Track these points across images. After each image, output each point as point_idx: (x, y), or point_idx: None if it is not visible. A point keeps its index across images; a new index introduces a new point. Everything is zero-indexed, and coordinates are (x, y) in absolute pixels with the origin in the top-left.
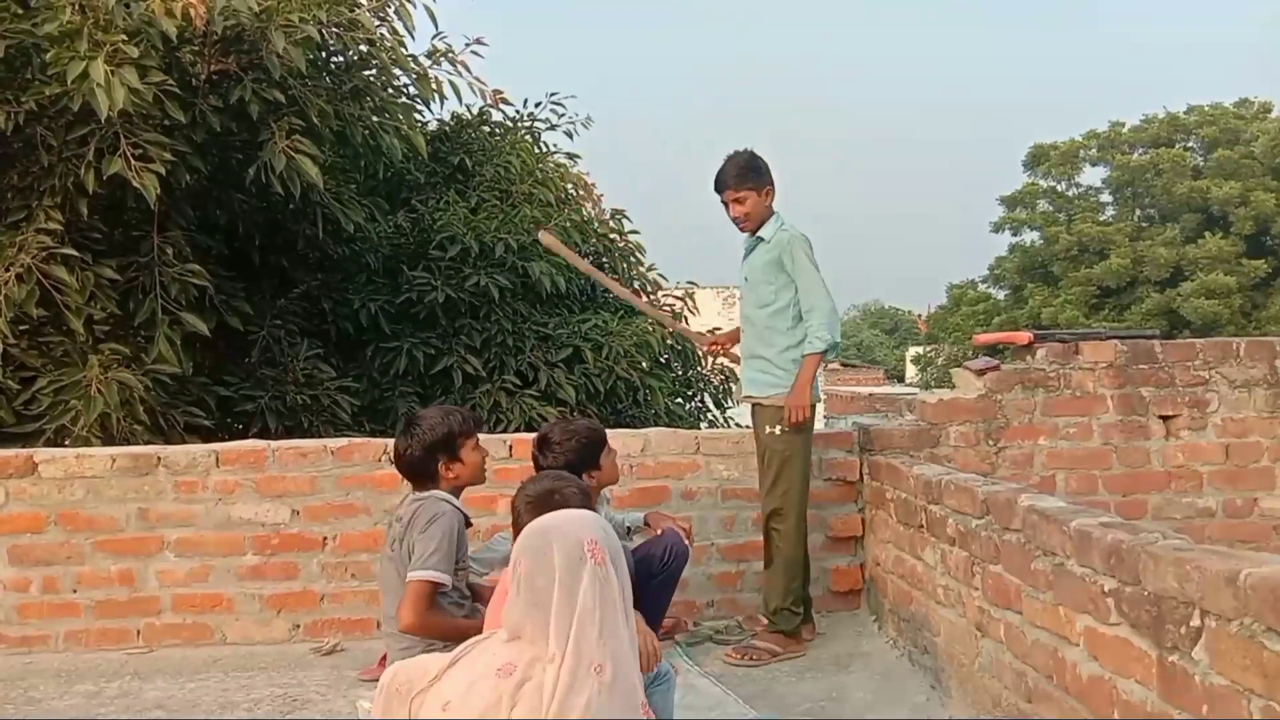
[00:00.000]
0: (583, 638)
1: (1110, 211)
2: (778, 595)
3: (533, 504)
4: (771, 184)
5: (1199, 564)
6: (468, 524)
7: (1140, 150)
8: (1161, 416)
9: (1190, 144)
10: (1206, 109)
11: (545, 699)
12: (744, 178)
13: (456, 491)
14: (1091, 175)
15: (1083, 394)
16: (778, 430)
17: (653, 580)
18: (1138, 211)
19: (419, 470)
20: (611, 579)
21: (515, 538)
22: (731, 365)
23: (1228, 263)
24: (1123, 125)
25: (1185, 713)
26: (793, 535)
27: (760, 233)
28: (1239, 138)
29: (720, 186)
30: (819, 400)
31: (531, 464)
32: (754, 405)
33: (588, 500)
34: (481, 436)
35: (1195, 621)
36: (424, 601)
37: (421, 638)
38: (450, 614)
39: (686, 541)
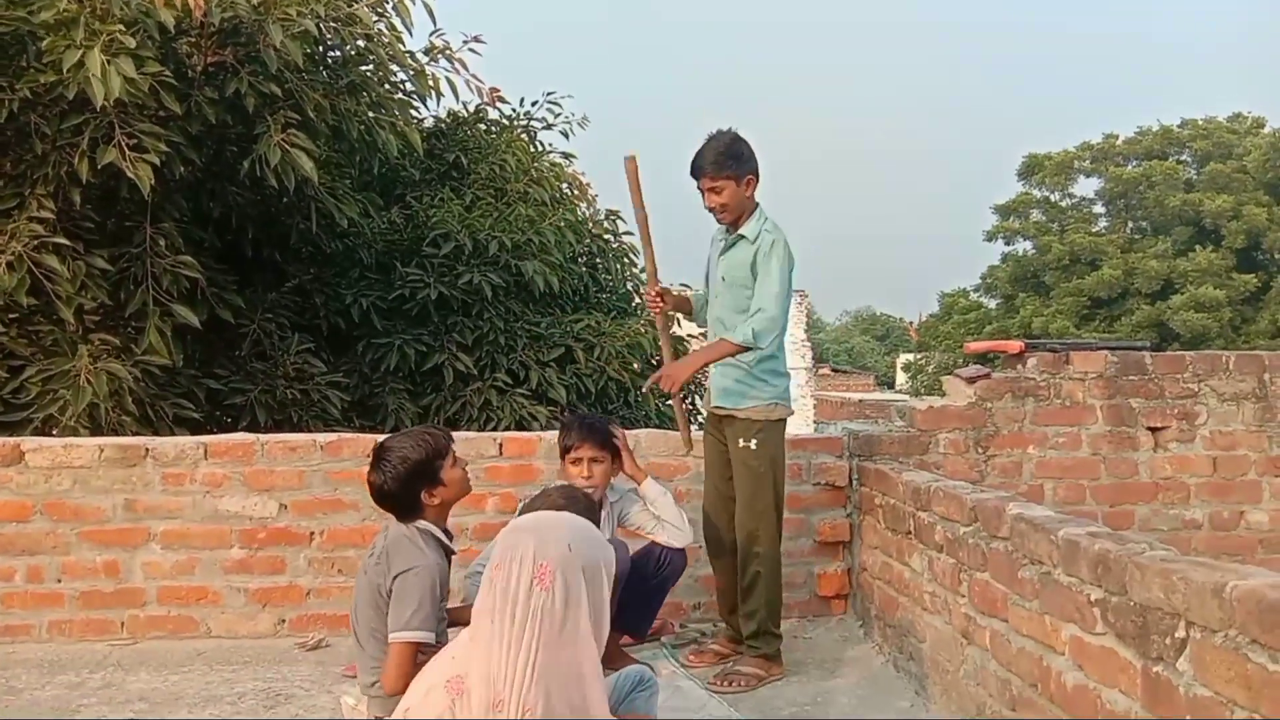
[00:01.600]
0: (515, 675)
1: (1103, 223)
2: (758, 618)
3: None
4: (754, 173)
5: (1185, 575)
6: (449, 554)
7: (1133, 162)
8: (1150, 428)
9: (1183, 157)
10: (1200, 122)
11: None
12: (722, 164)
13: (444, 512)
14: (1085, 186)
15: (1072, 404)
16: (753, 444)
17: (647, 583)
18: (1130, 223)
19: (399, 503)
20: (554, 608)
21: None
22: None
23: (1218, 276)
24: (1116, 137)
25: None
26: (771, 557)
27: (742, 229)
28: (1231, 152)
29: (696, 172)
30: (790, 414)
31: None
32: (724, 417)
33: (595, 517)
34: (471, 435)
35: (1180, 633)
36: (408, 663)
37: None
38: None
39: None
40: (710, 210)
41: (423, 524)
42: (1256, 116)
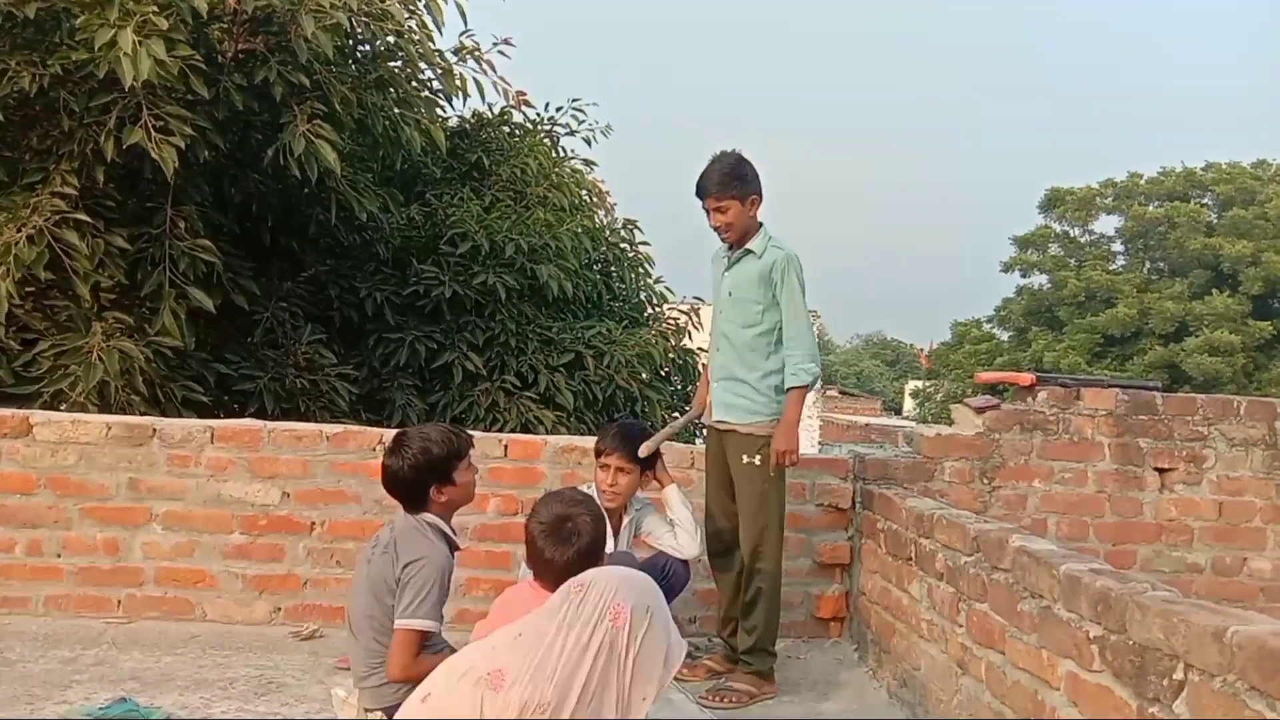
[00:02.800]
0: (565, 688)
1: (1121, 261)
2: (756, 634)
3: (547, 531)
4: (758, 193)
5: (1186, 617)
6: (454, 550)
7: (1155, 202)
8: (1157, 469)
9: (1205, 200)
10: (1224, 166)
11: None
12: (727, 185)
13: (449, 510)
14: (1105, 224)
15: (1080, 440)
16: (756, 460)
17: None
18: (1148, 263)
19: (409, 492)
20: (616, 644)
21: (530, 562)
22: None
23: (1234, 321)
24: (1140, 176)
25: None
26: (774, 574)
27: (749, 245)
28: (1254, 198)
29: (701, 192)
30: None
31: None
32: (726, 431)
33: (601, 525)
34: (477, 435)
35: (1179, 675)
36: (413, 650)
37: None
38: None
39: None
40: (715, 229)
41: (429, 517)
42: None
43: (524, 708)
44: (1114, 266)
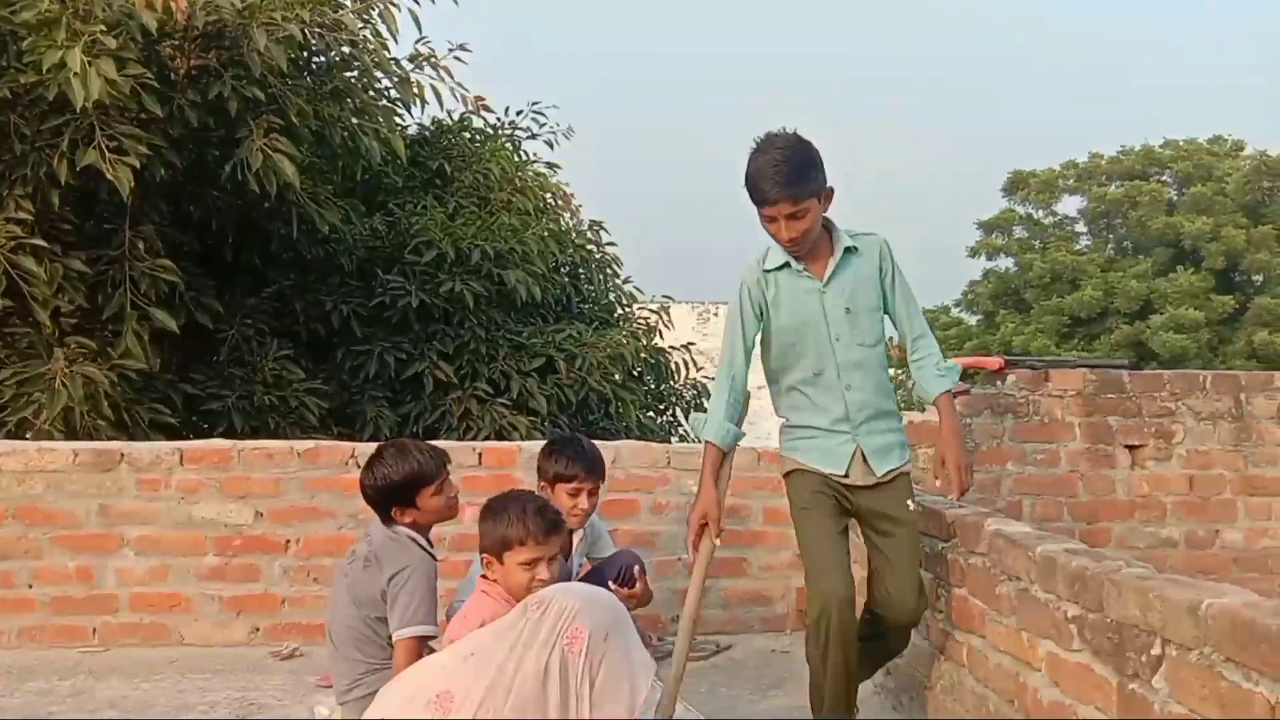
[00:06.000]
0: (526, 695)
1: (1085, 241)
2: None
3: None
4: (829, 183)
5: (1161, 593)
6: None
7: (1116, 182)
8: (1128, 446)
9: (1164, 177)
10: (1181, 143)
11: None
12: (805, 181)
13: (422, 528)
14: (1068, 204)
15: (1051, 421)
16: (910, 504)
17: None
18: (1111, 243)
19: (375, 508)
20: (570, 670)
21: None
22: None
23: (1197, 298)
24: (1101, 156)
25: None
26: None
27: (845, 241)
28: (1211, 174)
29: (766, 198)
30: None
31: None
32: (894, 478)
33: (562, 529)
34: (450, 444)
35: (1156, 650)
36: (417, 659)
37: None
38: None
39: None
40: (790, 242)
41: (402, 529)
42: (1236, 140)
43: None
44: (1078, 247)
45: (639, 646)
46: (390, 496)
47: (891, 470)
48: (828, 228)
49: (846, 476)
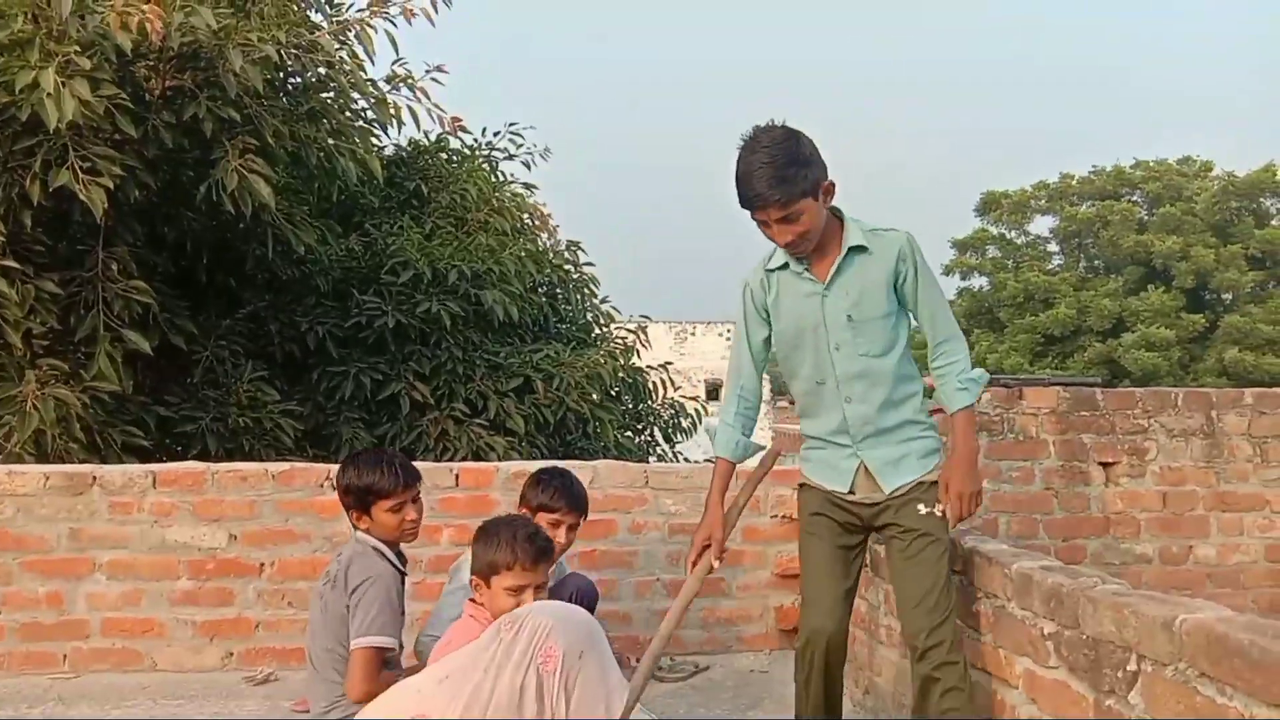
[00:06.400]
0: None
1: (1057, 260)
2: None
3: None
4: (826, 175)
5: (1136, 609)
6: (401, 574)
7: (1088, 202)
8: (1102, 463)
9: (1135, 198)
10: (1151, 164)
11: None
12: (791, 183)
13: (386, 539)
14: (1040, 224)
15: (1025, 438)
16: (937, 511)
17: None
18: (1083, 262)
19: (343, 505)
20: (545, 691)
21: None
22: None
23: (1168, 316)
24: (1072, 177)
25: None
26: (965, 676)
27: (851, 240)
28: (1181, 193)
29: (753, 203)
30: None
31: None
32: (914, 486)
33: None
34: (427, 465)
35: (1132, 666)
36: (372, 669)
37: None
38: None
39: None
40: (788, 246)
41: (368, 539)
42: (1205, 161)
43: None
44: (1050, 266)
45: (614, 666)
46: (349, 497)
47: (904, 485)
48: (840, 220)
49: (852, 494)
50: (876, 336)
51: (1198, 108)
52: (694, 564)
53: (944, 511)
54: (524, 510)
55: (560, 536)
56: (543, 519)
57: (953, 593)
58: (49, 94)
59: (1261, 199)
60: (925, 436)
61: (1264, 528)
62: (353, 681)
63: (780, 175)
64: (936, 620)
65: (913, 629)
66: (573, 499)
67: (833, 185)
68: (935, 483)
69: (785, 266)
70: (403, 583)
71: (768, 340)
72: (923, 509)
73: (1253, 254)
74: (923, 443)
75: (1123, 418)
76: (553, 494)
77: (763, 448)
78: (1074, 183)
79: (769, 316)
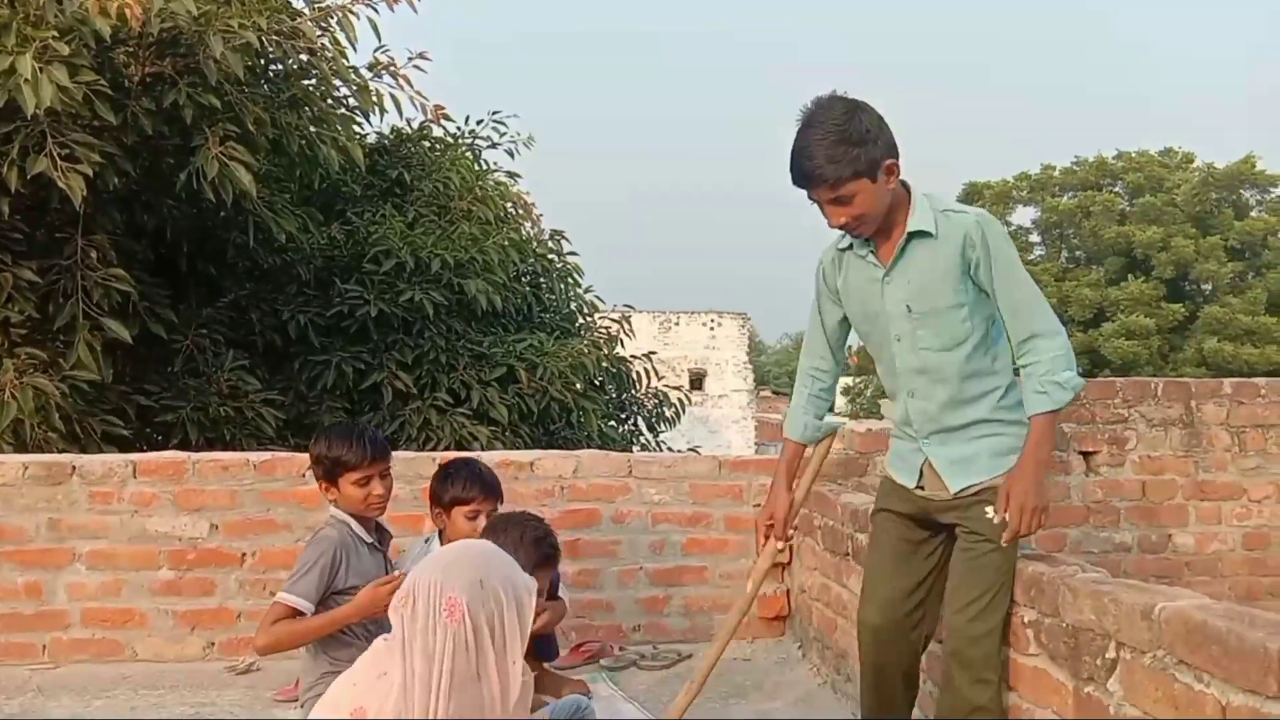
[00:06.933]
0: (423, 711)
1: (1039, 251)
2: None
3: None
4: (892, 153)
5: (1116, 597)
6: (382, 544)
7: (1069, 193)
8: (1082, 452)
9: (1116, 189)
10: (1133, 155)
11: None
12: (842, 160)
13: (355, 512)
14: (1022, 215)
15: None
16: (989, 511)
17: None
18: (1065, 253)
19: (314, 476)
20: (464, 642)
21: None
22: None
23: (1148, 305)
24: (1054, 168)
25: None
26: (999, 704)
27: (913, 224)
28: (1162, 185)
29: (807, 181)
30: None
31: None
32: (985, 488)
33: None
34: (409, 454)
35: (1111, 653)
36: (277, 622)
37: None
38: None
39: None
40: (842, 229)
41: (339, 514)
42: (1186, 152)
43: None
44: (1032, 257)
45: (516, 571)
46: (317, 469)
47: (972, 486)
48: (910, 195)
49: (921, 489)
50: (942, 329)
51: (1184, 99)
52: (761, 546)
53: (1005, 520)
54: (437, 511)
55: (481, 525)
56: (459, 513)
57: (1004, 606)
58: (26, 79)
59: (1241, 190)
60: (1003, 435)
61: (1241, 516)
62: (258, 632)
63: (830, 155)
64: (979, 630)
65: (952, 635)
66: (485, 486)
67: (896, 165)
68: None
69: (852, 246)
70: (384, 558)
71: (844, 320)
72: (990, 513)
73: (1232, 245)
74: (998, 440)
75: (1103, 407)
76: (464, 484)
77: (837, 426)
78: (1056, 174)
79: (840, 298)
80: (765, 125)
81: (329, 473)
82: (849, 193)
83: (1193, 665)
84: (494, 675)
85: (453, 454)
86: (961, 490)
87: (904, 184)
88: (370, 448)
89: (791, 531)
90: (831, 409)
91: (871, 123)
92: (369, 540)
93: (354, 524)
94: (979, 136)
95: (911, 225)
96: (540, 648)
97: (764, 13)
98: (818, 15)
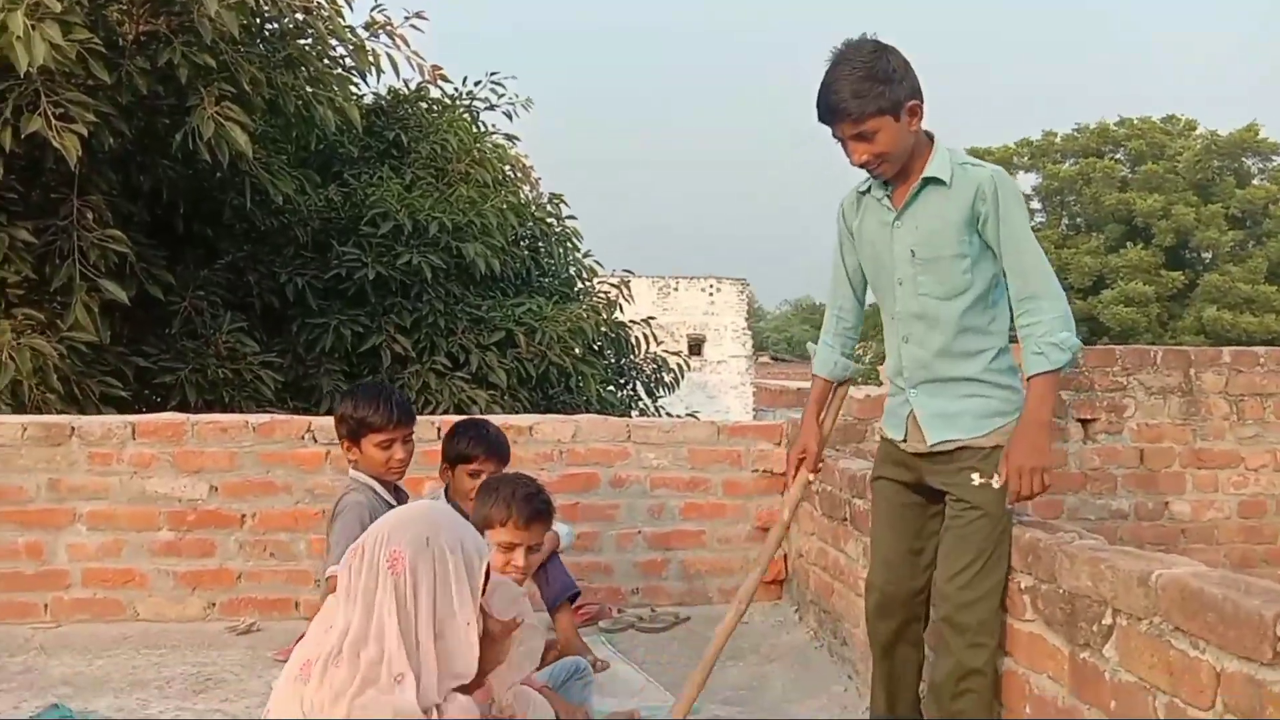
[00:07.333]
0: (382, 645)
1: (1040, 218)
2: None
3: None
4: (917, 96)
5: (1112, 564)
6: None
7: (1071, 159)
8: (1080, 420)
9: (1118, 155)
10: (1135, 122)
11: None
12: (867, 96)
13: (376, 474)
14: (1023, 181)
15: None
16: (994, 483)
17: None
18: (1065, 219)
19: (337, 435)
20: (405, 594)
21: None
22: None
23: (1147, 273)
24: (1055, 134)
25: (1094, 708)
26: (992, 664)
27: (928, 171)
28: (1164, 152)
29: (830, 115)
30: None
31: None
32: (939, 455)
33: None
34: None
35: (1107, 620)
36: (327, 595)
37: None
38: None
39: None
40: (863, 166)
41: (356, 474)
42: (1189, 119)
43: (338, 694)
44: (1033, 223)
45: (470, 532)
46: (341, 426)
47: (948, 441)
48: (933, 145)
49: (905, 442)
50: (943, 277)
51: (1186, 64)
52: (791, 478)
53: (1003, 484)
54: (443, 467)
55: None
56: (462, 471)
57: (998, 572)
58: (18, 37)
59: (1243, 158)
60: (989, 398)
61: (1238, 484)
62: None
63: (856, 90)
64: (969, 597)
65: (943, 602)
66: (490, 445)
67: (919, 106)
68: (995, 449)
69: (870, 190)
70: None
71: (859, 262)
72: (976, 479)
73: (1233, 213)
74: (984, 403)
75: (1102, 375)
76: (469, 442)
77: (858, 367)
78: (1057, 140)
79: (855, 240)
80: (765, 123)
81: (353, 433)
82: (871, 129)
83: (1188, 632)
84: (433, 635)
85: (453, 418)
86: (937, 444)
87: (929, 134)
88: (396, 411)
89: (820, 465)
90: (856, 347)
91: (898, 64)
92: (391, 503)
93: (377, 486)
94: (978, 105)
95: (928, 172)
96: (553, 573)
97: (764, 13)
98: (818, 15)
